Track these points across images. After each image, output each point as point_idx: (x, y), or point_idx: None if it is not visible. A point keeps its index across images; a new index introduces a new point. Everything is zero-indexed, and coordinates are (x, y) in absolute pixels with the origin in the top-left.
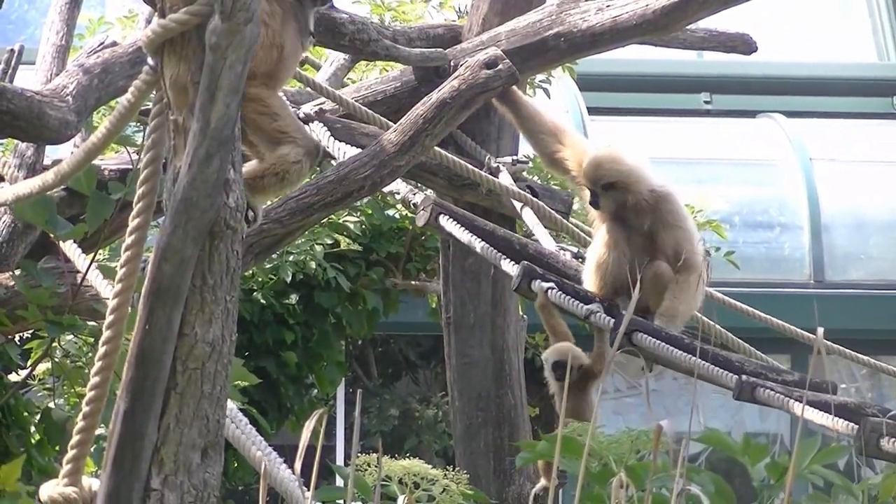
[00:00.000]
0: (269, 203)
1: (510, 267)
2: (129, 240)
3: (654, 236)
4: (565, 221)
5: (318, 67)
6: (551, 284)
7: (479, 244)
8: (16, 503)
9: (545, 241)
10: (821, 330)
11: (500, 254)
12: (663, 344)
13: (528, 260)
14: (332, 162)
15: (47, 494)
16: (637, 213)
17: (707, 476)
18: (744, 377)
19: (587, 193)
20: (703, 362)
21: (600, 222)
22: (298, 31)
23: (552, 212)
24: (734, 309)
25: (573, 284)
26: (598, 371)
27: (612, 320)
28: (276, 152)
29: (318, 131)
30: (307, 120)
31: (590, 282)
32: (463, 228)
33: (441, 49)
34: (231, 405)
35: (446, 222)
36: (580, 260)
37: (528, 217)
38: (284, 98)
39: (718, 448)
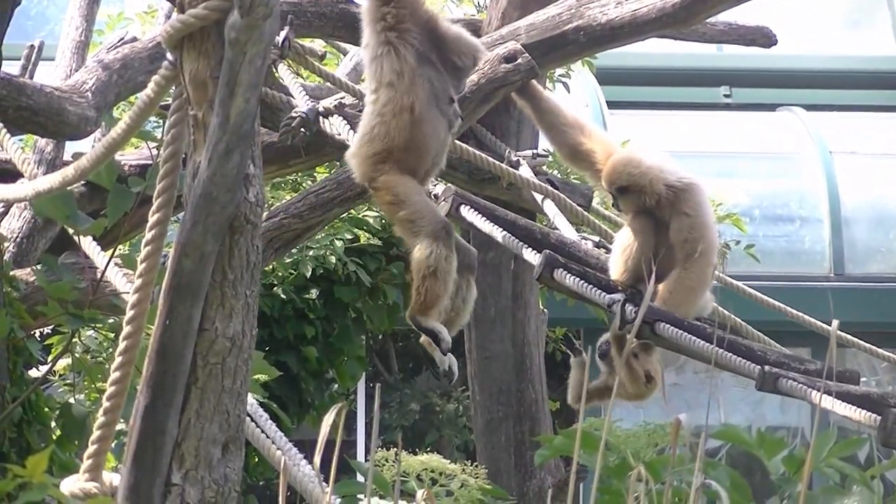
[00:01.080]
0: (288, 198)
1: (532, 256)
2: (149, 235)
3: (669, 225)
4: (586, 214)
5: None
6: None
7: (500, 233)
8: (43, 494)
9: (567, 230)
10: (836, 322)
11: (521, 243)
12: (685, 334)
13: (549, 249)
14: None
15: (68, 489)
16: (659, 207)
17: (724, 470)
18: (766, 367)
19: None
20: (725, 352)
21: (628, 214)
22: (434, 98)
23: (573, 204)
24: (754, 299)
25: (595, 273)
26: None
27: (634, 309)
28: (412, 254)
29: (337, 125)
30: (326, 114)
31: (614, 268)
32: (484, 218)
33: None
34: (251, 401)
35: (467, 212)
36: (602, 249)
37: (550, 208)
38: (417, 185)
39: (734, 443)
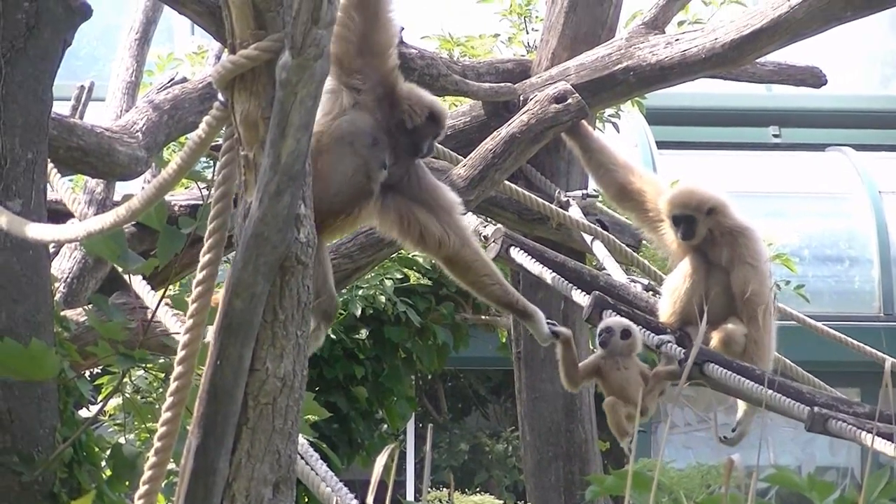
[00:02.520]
0: (340, 238)
1: (581, 297)
2: (200, 275)
3: (729, 271)
4: (636, 255)
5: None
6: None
7: (549, 275)
8: None
9: (616, 273)
10: (889, 361)
11: (571, 285)
12: (734, 375)
13: (599, 291)
14: None
15: None
16: (716, 245)
17: None
18: (816, 409)
19: (668, 227)
20: (775, 393)
21: (679, 257)
22: (351, 137)
23: (623, 245)
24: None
25: (645, 315)
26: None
27: (683, 350)
28: None
29: None
30: None
31: (663, 310)
32: (533, 260)
33: (510, 83)
34: (302, 441)
35: (517, 254)
36: (651, 293)
37: (599, 250)
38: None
39: (785, 486)
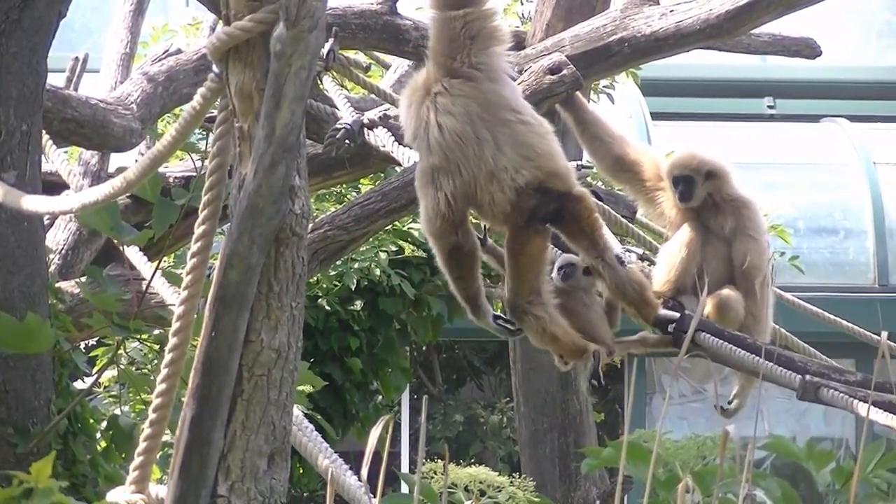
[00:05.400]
0: (333, 209)
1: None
2: (194, 247)
3: (731, 242)
4: (631, 225)
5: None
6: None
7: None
8: (49, 500)
9: (611, 242)
10: (885, 333)
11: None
12: (726, 344)
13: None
14: (397, 168)
15: (115, 501)
16: (718, 213)
17: (773, 481)
18: (807, 377)
19: (667, 193)
20: (767, 362)
21: (676, 226)
22: None
23: (618, 216)
24: (801, 309)
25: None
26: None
27: (677, 318)
28: None
29: (381, 137)
30: (371, 126)
31: (658, 278)
32: None
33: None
34: (296, 412)
35: None
36: (646, 262)
37: None
38: None
39: (783, 455)
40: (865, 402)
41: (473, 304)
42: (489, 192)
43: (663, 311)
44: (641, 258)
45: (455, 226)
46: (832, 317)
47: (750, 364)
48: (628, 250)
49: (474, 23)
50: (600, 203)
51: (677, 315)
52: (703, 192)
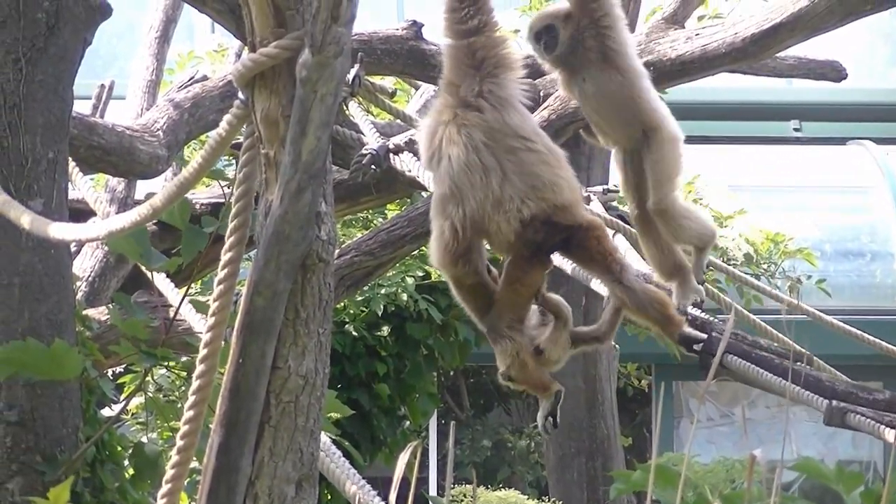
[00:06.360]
0: (360, 235)
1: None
2: (221, 273)
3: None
4: None
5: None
6: None
7: (570, 266)
8: None
9: (638, 265)
10: None
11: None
12: (753, 366)
13: None
14: (423, 193)
15: None
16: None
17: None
18: (834, 402)
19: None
20: (794, 386)
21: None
22: None
23: None
24: (830, 327)
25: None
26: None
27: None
28: None
29: (407, 162)
30: (397, 150)
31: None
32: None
33: (530, 79)
34: (324, 438)
35: None
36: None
37: (621, 243)
38: None
39: (812, 476)
40: (893, 427)
41: None
42: (496, 220)
43: (688, 330)
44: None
45: (459, 256)
46: (863, 334)
47: (777, 386)
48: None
49: (480, 51)
50: (627, 227)
51: (704, 336)
52: (566, 35)
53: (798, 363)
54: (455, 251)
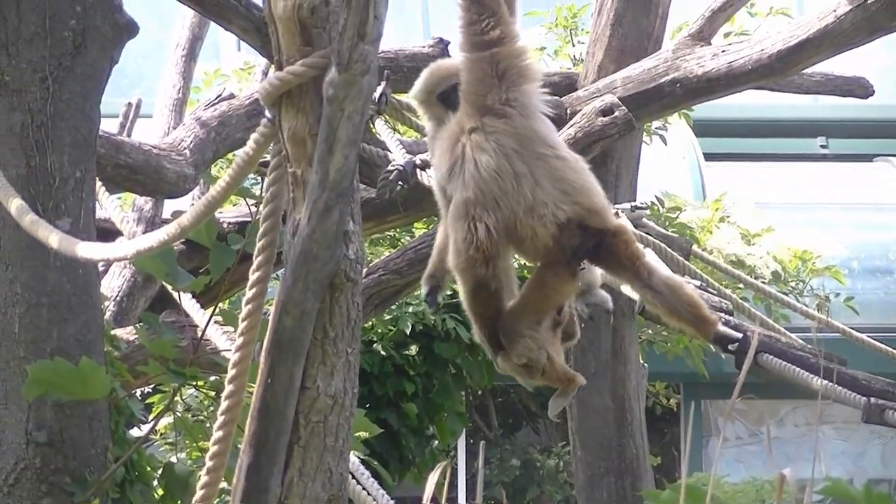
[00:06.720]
0: (387, 254)
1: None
2: (249, 293)
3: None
4: (686, 263)
5: None
6: None
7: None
8: None
9: (656, 267)
10: None
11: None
12: (789, 365)
13: None
14: None
15: None
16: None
17: None
18: (872, 399)
19: None
20: (830, 383)
21: None
22: None
23: (674, 254)
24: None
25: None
26: None
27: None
28: None
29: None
30: (424, 167)
31: None
32: None
33: (557, 96)
34: (353, 458)
35: None
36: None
37: (650, 258)
38: None
39: (840, 498)
40: None
41: (495, 345)
42: (530, 226)
43: (723, 329)
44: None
45: (487, 259)
46: (893, 351)
47: (813, 384)
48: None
49: (503, 62)
50: (656, 242)
51: (739, 335)
52: None
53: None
54: (488, 252)
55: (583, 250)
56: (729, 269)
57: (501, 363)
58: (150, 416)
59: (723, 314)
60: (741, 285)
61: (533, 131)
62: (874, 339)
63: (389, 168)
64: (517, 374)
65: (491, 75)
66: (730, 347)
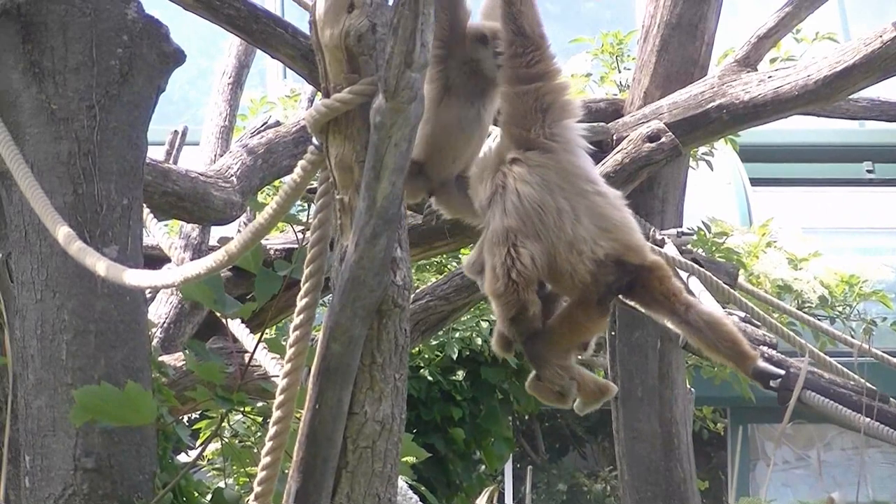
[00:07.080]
0: (434, 280)
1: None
2: (297, 319)
3: None
4: (732, 291)
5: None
6: None
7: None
8: None
9: (711, 305)
10: None
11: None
12: (832, 402)
13: None
14: None
15: None
16: None
17: None
18: None
19: None
20: (871, 420)
21: None
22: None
23: (719, 281)
24: None
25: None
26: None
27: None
28: None
29: None
30: None
31: None
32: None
33: (603, 123)
34: (401, 483)
35: None
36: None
37: (695, 286)
38: None
39: None
40: None
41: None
42: (570, 262)
43: (762, 365)
44: (743, 320)
45: (528, 284)
46: None
47: (855, 421)
48: (730, 313)
49: (547, 96)
50: (701, 270)
51: (781, 372)
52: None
53: (875, 400)
54: (529, 278)
55: (618, 286)
56: (769, 297)
57: (530, 387)
58: (198, 442)
59: (766, 347)
60: (785, 314)
61: (575, 166)
62: None
63: None
64: (546, 399)
65: (535, 109)
66: (771, 384)
